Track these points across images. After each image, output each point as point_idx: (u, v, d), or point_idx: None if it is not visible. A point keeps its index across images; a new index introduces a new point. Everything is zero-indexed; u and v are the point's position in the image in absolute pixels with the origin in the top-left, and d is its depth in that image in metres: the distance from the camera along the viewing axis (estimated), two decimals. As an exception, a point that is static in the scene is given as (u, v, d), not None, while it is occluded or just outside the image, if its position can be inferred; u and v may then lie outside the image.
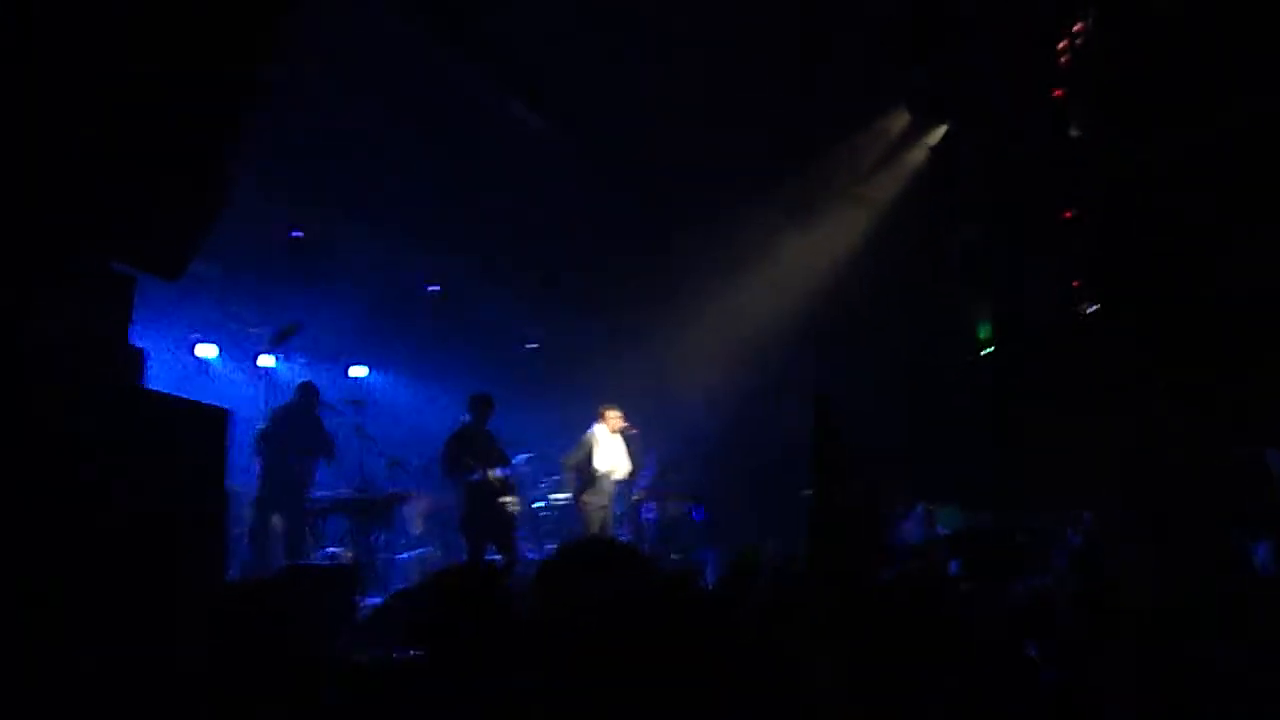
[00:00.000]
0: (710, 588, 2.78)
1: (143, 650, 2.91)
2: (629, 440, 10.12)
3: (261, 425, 8.83)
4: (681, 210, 11.47)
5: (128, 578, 3.36)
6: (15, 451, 3.08)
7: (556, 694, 1.90)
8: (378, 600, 6.33)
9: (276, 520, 8.37)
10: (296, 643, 3.09)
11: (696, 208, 11.45)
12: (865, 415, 12.26)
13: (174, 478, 3.77)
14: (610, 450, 9.94)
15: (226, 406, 4.41)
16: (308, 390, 9.14)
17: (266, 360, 9.68)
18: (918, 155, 11.28)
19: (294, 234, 10.15)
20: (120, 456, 3.48)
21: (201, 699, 2.72)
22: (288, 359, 11.33)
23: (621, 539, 10.62)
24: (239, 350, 10.69)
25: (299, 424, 8.78)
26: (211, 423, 4.67)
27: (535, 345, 13.84)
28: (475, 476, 8.46)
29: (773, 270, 12.54)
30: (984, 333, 13.75)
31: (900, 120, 10.95)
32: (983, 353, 13.62)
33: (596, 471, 9.81)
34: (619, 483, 10.11)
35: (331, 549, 8.49)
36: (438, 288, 11.79)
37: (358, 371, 12.21)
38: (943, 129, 11.02)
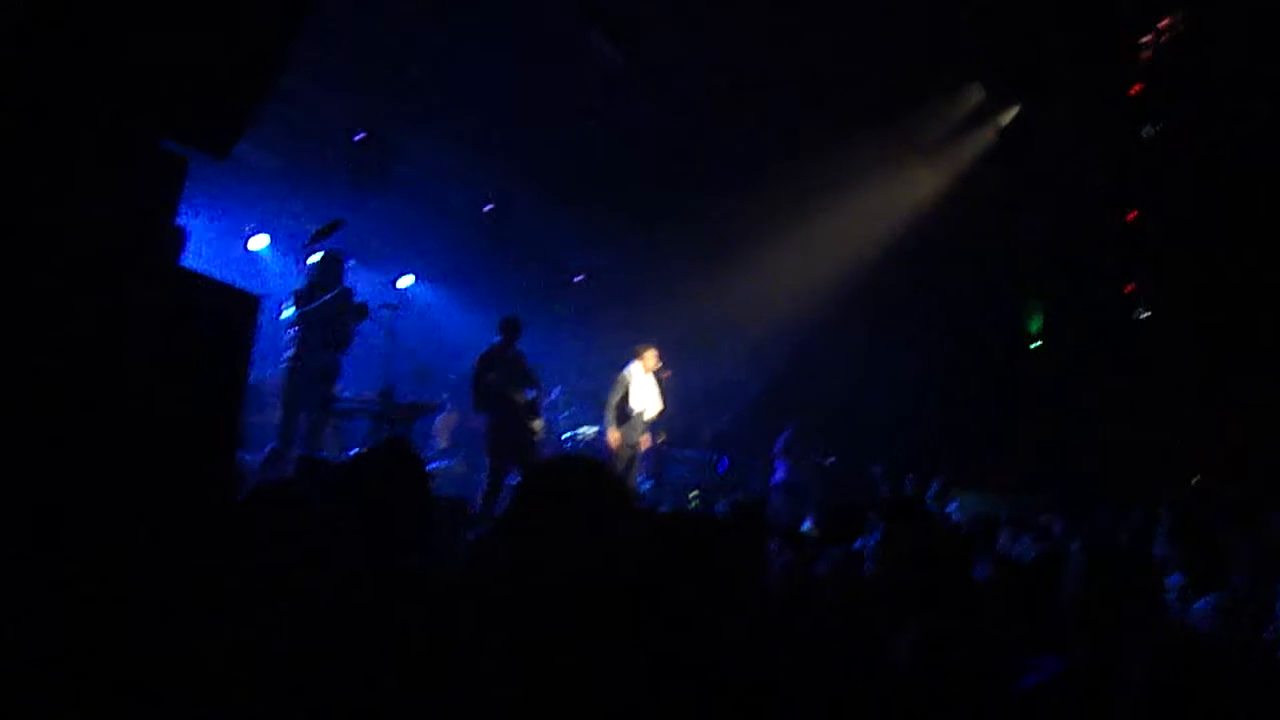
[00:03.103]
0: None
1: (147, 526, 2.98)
2: (661, 382, 10.14)
3: (291, 310, 7.97)
4: (747, 161, 11.30)
5: (136, 455, 3.44)
6: (43, 326, 3.15)
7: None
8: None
9: (303, 416, 7.86)
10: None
11: (762, 160, 11.28)
12: (903, 389, 12.21)
13: (195, 357, 3.84)
14: (644, 390, 9.94)
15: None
16: (337, 264, 8.25)
17: (316, 257, 9.82)
18: (988, 135, 10.96)
19: (357, 135, 10.20)
20: (142, 332, 3.56)
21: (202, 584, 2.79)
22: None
23: (641, 479, 10.72)
24: (290, 242, 10.81)
25: (328, 312, 7.98)
26: (241, 306, 4.75)
27: (581, 278, 13.84)
28: (501, 397, 8.52)
29: (829, 233, 12.36)
30: (1035, 325, 13.54)
31: (975, 95, 10.62)
32: (1031, 345, 13.43)
33: (631, 411, 9.81)
34: (649, 423, 10.12)
35: (354, 450, 8.52)
36: (492, 206, 11.77)
37: (405, 281, 12.31)
38: (1014, 110, 10.67)
